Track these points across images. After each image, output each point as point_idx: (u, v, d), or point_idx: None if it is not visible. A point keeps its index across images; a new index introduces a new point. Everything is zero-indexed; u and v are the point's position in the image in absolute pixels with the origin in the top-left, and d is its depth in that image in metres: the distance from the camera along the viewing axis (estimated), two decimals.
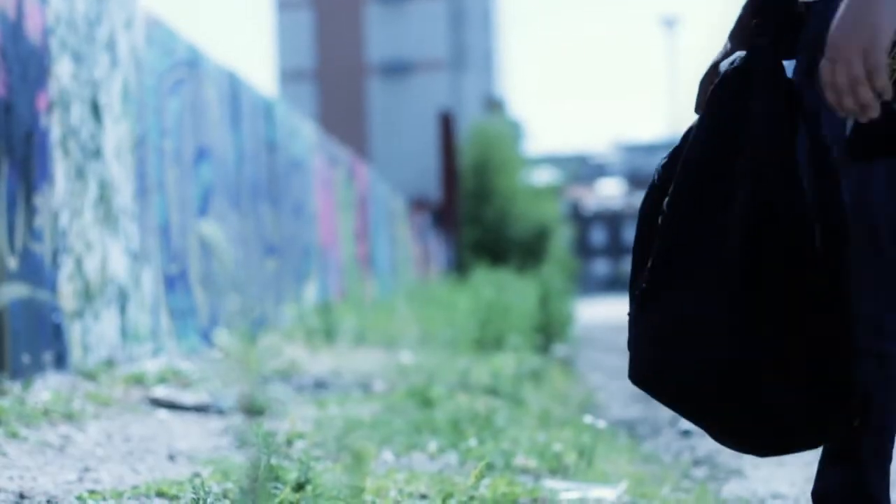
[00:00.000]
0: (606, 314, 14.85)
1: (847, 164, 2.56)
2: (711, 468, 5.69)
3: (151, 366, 7.79)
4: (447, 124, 39.48)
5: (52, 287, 6.78)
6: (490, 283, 17.50)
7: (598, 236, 70.02)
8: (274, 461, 3.89)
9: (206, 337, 9.69)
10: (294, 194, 14.92)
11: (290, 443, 5.09)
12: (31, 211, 6.50)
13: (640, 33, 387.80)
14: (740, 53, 2.55)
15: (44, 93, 6.76)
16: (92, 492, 3.85)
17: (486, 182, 44.51)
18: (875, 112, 2.32)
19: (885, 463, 2.69)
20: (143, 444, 5.18)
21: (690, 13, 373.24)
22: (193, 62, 10.13)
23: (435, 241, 35.89)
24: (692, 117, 2.67)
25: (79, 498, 3.73)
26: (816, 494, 2.72)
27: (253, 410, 1.28)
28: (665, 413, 7.22)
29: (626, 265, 2.80)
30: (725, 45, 2.71)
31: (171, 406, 6.39)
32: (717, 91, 2.54)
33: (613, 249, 69.45)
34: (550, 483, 4.57)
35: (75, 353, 7.02)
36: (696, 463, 5.89)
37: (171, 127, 9.30)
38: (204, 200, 10.27)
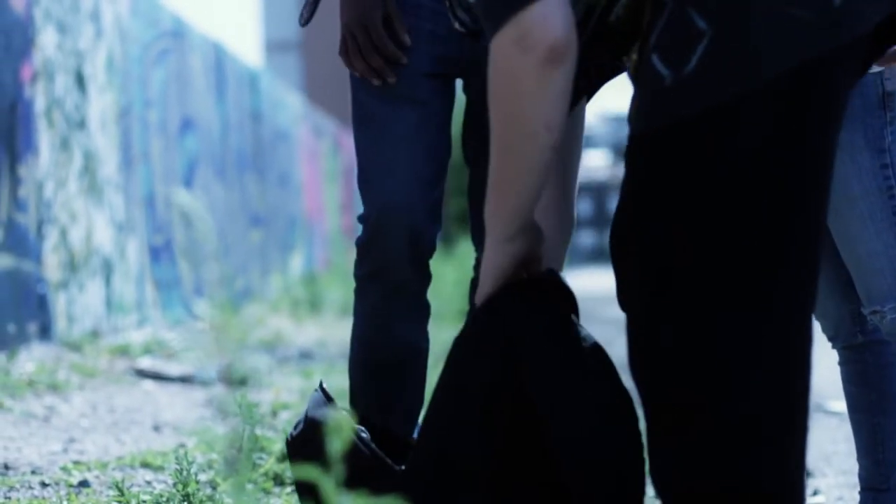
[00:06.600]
0: (592, 285, 14.83)
1: None
2: None
3: (136, 337, 7.79)
4: None
5: (37, 258, 6.77)
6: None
7: (584, 207, 69.74)
8: (259, 432, 3.90)
9: (191, 308, 9.70)
10: (279, 165, 14.90)
11: (275, 413, 5.10)
12: (15, 182, 6.48)
13: None
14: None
15: (28, 63, 6.73)
16: (77, 462, 3.86)
17: None
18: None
19: None
20: (127, 414, 5.18)
21: None
22: (178, 32, 10.10)
23: None
24: None
25: (63, 468, 3.73)
26: None
27: (234, 381, 1.28)
28: None
29: None
30: None
31: (156, 377, 6.39)
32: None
33: (599, 220, 69.15)
34: None
35: (60, 324, 7.02)
36: None
37: (155, 97, 9.28)
38: (189, 171, 10.26)
